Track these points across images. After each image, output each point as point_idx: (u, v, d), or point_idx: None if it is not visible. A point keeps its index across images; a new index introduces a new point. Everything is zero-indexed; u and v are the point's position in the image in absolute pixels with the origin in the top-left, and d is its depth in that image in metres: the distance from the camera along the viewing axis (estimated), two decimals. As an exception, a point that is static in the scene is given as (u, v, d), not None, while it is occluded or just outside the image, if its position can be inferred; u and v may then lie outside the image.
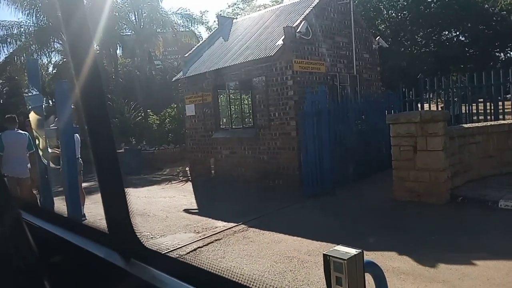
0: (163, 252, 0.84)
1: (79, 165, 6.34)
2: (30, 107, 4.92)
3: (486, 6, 20.08)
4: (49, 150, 5.59)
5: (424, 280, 3.91)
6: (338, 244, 2.30)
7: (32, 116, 4.74)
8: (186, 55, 12.67)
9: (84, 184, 7.19)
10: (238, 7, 34.46)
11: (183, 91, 12.89)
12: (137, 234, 0.81)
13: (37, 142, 4.84)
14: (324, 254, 2.21)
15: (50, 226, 0.99)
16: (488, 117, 10.04)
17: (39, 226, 0.97)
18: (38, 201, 5.80)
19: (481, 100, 10.57)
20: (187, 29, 23.07)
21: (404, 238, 5.18)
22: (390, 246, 4.80)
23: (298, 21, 9.41)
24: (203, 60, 11.91)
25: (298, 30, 9.15)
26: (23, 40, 19.69)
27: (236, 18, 15.77)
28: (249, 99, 11.10)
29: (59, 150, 5.97)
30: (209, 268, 0.70)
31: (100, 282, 0.82)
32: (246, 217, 6.63)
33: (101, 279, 0.82)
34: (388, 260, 4.38)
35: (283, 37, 9.13)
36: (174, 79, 13.47)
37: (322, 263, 2.20)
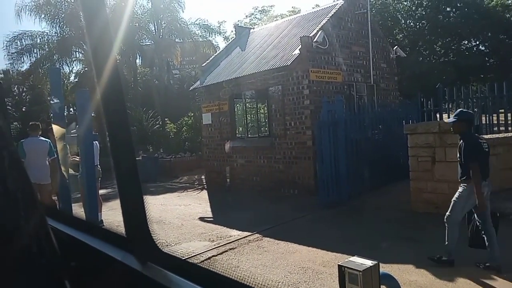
0: (179, 256, 0.86)
1: (97, 172, 6.45)
2: (52, 114, 5.06)
3: (508, 15, 19.74)
4: (69, 157, 5.72)
5: (443, 294, 3.81)
6: (353, 255, 2.28)
7: (56, 125, 4.87)
8: (204, 64, 12.85)
9: (101, 191, 7.31)
10: (256, 17, 34.83)
11: (200, 100, 13.04)
12: (154, 238, 0.82)
13: (60, 148, 4.95)
14: (339, 265, 2.19)
15: (69, 230, 1.02)
16: (509, 128, 9.80)
17: (58, 229, 1.00)
18: (58, 207, 5.91)
19: (502, 110, 10.34)
20: (205, 39, 23.42)
21: (421, 250, 5.07)
22: (407, 259, 4.70)
23: (315, 31, 9.45)
24: (220, 69, 12.04)
25: (315, 40, 9.18)
26: (46, 49, 20.30)
27: (253, 28, 15.93)
28: (265, 108, 11.14)
29: (79, 157, 6.11)
30: (225, 273, 0.71)
31: (117, 284, 0.84)
32: (261, 226, 6.62)
33: (118, 281, 0.84)
34: (405, 273, 4.29)
35: (300, 46, 9.17)
36: (191, 88, 13.65)
37: (337, 275, 2.17)
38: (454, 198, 4.60)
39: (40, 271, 0.55)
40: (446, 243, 4.52)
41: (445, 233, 4.52)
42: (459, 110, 5.13)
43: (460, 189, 4.57)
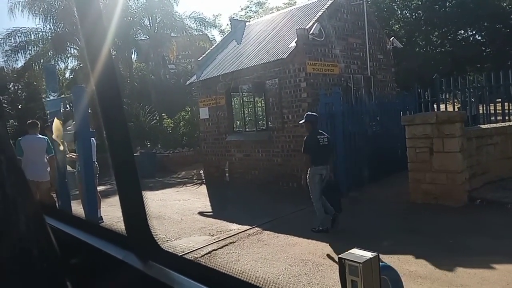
0: (179, 254, 0.85)
1: (95, 169, 6.43)
2: (48, 111, 5.03)
3: (504, 4, 19.68)
4: (67, 154, 5.70)
5: (442, 285, 3.84)
6: (353, 247, 2.28)
7: (55, 123, 4.84)
8: (200, 58, 12.77)
9: (100, 188, 7.30)
10: (251, 10, 34.59)
11: (197, 94, 12.99)
12: (154, 236, 0.82)
13: (61, 148, 4.93)
14: (339, 257, 2.19)
15: (68, 228, 1.01)
16: (507, 118, 9.82)
17: (58, 228, 0.99)
18: (56, 204, 5.90)
19: (499, 100, 10.36)
20: (201, 33, 23.25)
21: (420, 241, 5.10)
22: (406, 249, 4.73)
23: (311, 23, 9.39)
24: (216, 63, 11.98)
25: (311, 32, 9.13)
26: (40, 46, 20.14)
27: (249, 21, 15.83)
28: (263, 102, 11.11)
29: (76, 154, 6.09)
30: (225, 270, 0.70)
31: (118, 283, 0.83)
32: (261, 219, 6.63)
33: (118, 280, 0.83)
34: (404, 264, 4.32)
35: (296, 39, 9.12)
36: (188, 82, 13.59)
37: (337, 267, 2.18)
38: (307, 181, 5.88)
39: (42, 275, 0.54)
40: (317, 215, 5.85)
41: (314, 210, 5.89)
42: (306, 113, 6.43)
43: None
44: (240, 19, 21.21)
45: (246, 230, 6.19)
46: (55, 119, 4.65)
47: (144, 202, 0.79)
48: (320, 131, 6.17)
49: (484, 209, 6.29)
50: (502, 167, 7.54)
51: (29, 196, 0.59)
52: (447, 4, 20.17)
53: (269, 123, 10.28)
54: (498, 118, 10.01)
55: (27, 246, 0.54)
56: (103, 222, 6.54)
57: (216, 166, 11.61)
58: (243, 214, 7.10)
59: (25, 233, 0.54)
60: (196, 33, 22.87)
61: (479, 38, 21.50)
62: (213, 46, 14.47)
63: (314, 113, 6.55)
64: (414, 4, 20.71)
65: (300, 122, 6.36)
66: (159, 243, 0.84)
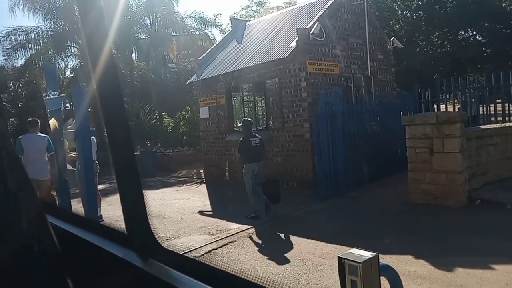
0: (180, 253, 0.85)
1: (95, 167, 6.44)
2: (49, 110, 5.03)
3: (504, 4, 19.67)
4: (67, 153, 5.71)
5: (441, 285, 3.84)
6: (353, 247, 2.28)
7: (52, 122, 4.85)
8: (200, 58, 12.76)
9: (100, 186, 7.31)
10: (252, 10, 34.61)
11: (197, 93, 13.00)
12: (154, 234, 0.82)
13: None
14: (338, 257, 2.20)
15: (69, 227, 1.01)
16: (507, 118, 9.82)
17: (59, 226, 1.00)
18: (57, 202, 5.91)
19: (499, 100, 10.35)
20: (201, 32, 23.24)
21: (420, 241, 5.11)
22: (406, 250, 4.73)
23: (312, 23, 9.39)
24: (217, 62, 11.98)
25: (311, 32, 9.13)
26: (41, 44, 20.13)
27: (250, 20, 15.83)
28: (263, 101, 11.11)
29: (76, 153, 6.10)
30: (225, 268, 0.71)
31: (119, 281, 0.84)
32: (260, 219, 6.63)
33: (119, 278, 0.83)
34: (404, 264, 4.32)
35: (297, 39, 9.12)
36: (188, 82, 13.59)
37: (337, 266, 2.18)
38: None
39: (42, 270, 0.55)
40: (255, 204, 6.78)
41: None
42: (243, 118, 7.57)
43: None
44: (241, 18, 21.18)
45: (246, 229, 6.20)
46: (52, 119, 4.66)
47: (145, 200, 0.80)
48: (254, 134, 7.16)
49: (483, 210, 6.29)
50: (502, 167, 7.54)
51: (31, 192, 0.59)
52: (448, 4, 20.16)
53: (270, 122, 10.28)
54: (498, 118, 10.00)
55: (28, 242, 0.54)
56: (103, 221, 6.55)
57: (216, 165, 11.62)
58: (243, 214, 7.11)
59: (26, 229, 0.54)
60: (196, 33, 22.87)
61: (480, 38, 21.49)
62: (213, 46, 14.47)
63: (249, 119, 7.65)
64: (415, 4, 20.70)
65: (239, 124, 7.34)
66: (160, 241, 0.85)
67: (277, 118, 9.82)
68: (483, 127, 8.19)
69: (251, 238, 5.82)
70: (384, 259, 3.58)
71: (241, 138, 7.08)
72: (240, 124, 7.36)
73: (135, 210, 0.80)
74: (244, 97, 11.84)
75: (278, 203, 6.74)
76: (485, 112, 10.41)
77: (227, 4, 67.56)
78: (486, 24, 19.88)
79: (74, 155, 6.36)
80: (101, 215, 6.57)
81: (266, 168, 7.28)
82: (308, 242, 5.37)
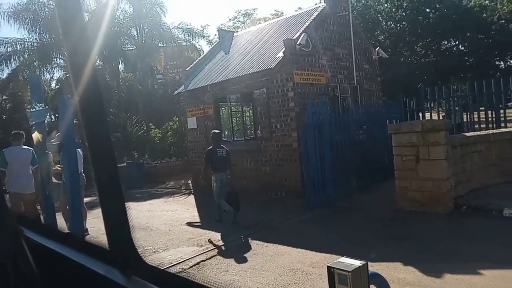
0: (165, 267, 0.83)
1: (81, 180, 6.34)
2: (33, 122, 4.95)
3: (484, 15, 20.22)
4: (52, 165, 5.61)
5: (430, 292, 3.85)
6: (342, 256, 2.28)
7: (35, 134, 4.77)
8: (188, 68, 12.76)
9: (86, 199, 7.18)
10: (239, 21, 34.84)
11: (184, 104, 12.96)
12: (138, 250, 0.80)
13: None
14: (328, 266, 2.19)
15: (50, 243, 0.98)
16: (490, 126, 10.03)
17: (40, 243, 0.97)
18: (41, 216, 5.79)
19: (482, 108, 10.57)
20: (189, 43, 23.28)
21: (408, 248, 5.14)
22: (394, 257, 4.75)
23: (298, 34, 9.50)
24: (204, 73, 11.99)
25: (298, 42, 9.23)
26: (26, 56, 19.91)
27: (237, 31, 15.93)
28: (251, 111, 11.13)
29: (61, 166, 6.00)
30: (210, 284, 0.70)
31: (101, 299, 0.81)
32: (249, 229, 6.60)
33: (101, 296, 0.81)
34: (393, 271, 4.33)
35: (283, 49, 9.20)
36: (175, 92, 13.55)
37: (327, 275, 2.18)
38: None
39: None
40: (221, 210, 7.33)
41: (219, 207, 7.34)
42: (212, 131, 8.03)
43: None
44: (228, 29, 21.32)
45: (235, 240, 6.15)
46: (36, 132, 4.59)
47: (128, 215, 0.78)
48: (221, 145, 7.59)
49: (469, 216, 6.37)
50: (487, 174, 7.67)
51: (5, 210, 0.57)
52: (431, 15, 20.65)
53: (257, 132, 10.29)
54: (482, 126, 10.20)
55: (2, 262, 0.52)
56: (88, 234, 6.43)
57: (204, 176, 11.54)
58: (231, 224, 7.06)
59: None
60: (184, 44, 22.89)
61: (462, 48, 22.03)
62: (201, 56, 14.48)
63: (218, 131, 8.05)
64: (399, 16, 21.15)
65: (211, 136, 7.93)
66: (144, 256, 0.83)
67: (265, 128, 9.84)
68: (467, 134, 8.34)
69: (240, 248, 5.78)
70: (373, 267, 3.58)
71: (209, 148, 7.60)
72: (211, 136, 7.88)
73: (118, 225, 0.78)
74: (232, 107, 11.84)
75: (238, 212, 7.32)
76: (469, 120, 10.61)
77: (215, 15, 67.99)
78: (468, 34, 20.41)
79: (59, 168, 6.26)
80: (87, 228, 6.45)
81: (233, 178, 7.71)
82: (297, 252, 5.35)
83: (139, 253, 0.80)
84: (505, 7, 20.12)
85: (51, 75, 22.69)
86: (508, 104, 11.50)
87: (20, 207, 5.98)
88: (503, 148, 7.95)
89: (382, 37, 21.62)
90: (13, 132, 6.66)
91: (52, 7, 17.83)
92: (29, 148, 6.30)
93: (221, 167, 7.30)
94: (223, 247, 5.93)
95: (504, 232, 5.42)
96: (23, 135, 6.51)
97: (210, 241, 6.22)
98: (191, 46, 23.26)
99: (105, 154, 0.78)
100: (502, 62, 22.74)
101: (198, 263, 5.29)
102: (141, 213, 8.89)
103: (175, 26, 22.89)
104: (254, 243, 5.95)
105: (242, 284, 4.42)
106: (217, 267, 5.10)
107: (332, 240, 5.79)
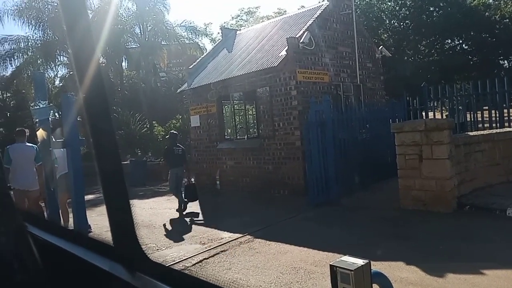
0: (168, 265, 0.84)
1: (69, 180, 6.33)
2: (37, 120, 4.97)
3: (487, 14, 20.11)
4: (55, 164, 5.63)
5: (433, 291, 3.85)
6: (345, 255, 2.28)
7: (40, 132, 4.79)
8: (191, 66, 12.78)
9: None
10: (242, 19, 34.82)
11: (188, 102, 12.97)
12: (142, 246, 0.80)
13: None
14: (331, 265, 2.19)
15: (55, 239, 0.99)
16: (494, 125, 9.98)
17: (44, 239, 0.98)
18: (45, 213, 5.81)
19: (486, 107, 10.52)
20: (192, 41, 23.29)
21: (411, 247, 5.12)
22: (397, 256, 4.74)
23: (301, 32, 9.48)
24: (207, 71, 12.00)
25: (301, 41, 9.21)
26: (30, 54, 19.97)
27: (240, 29, 15.92)
28: (254, 110, 11.13)
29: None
30: (214, 281, 0.70)
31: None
32: (252, 227, 6.60)
33: (105, 292, 0.81)
34: (395, 270, 4.32)
35: (286, 47, 9.19)
36: (179, 90, 13.57)
37: (329, 274, 2.18)
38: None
39: (21, 287, 0.53)
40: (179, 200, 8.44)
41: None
42: (170, 131, 9.77)
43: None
44: (231, 27, 21.32)
45: (237, 238, 6.15)
46: (40, 129, 4.60)
47: (132, 212, 0.78)
48: (178, 144, 8.67)
49: (473, 215, 6.35)
50: (490, 173, 7.64)
51: (10, 206, 0.57)
52: (435, 14, 20.56)
53: (260, 130, 10.29)
54: (486, 125, 10.16)
55: (8, 258, 0.52)
56: (92, 231, 6.45)
57: (207, 174, 11.57)
58: (234, 222, 7.06)
59: (5, 245, 0.52)
60: (187, 42, 22.90)
61: (466, 47, 21.94)
62: (204, 55, 14.50)
63: (175, 132, 9.40)
64: (402, 14, 21.07)
65: (167, 137, 9.36)
66: (147, 253, 0.83)
67: (268, 126, 9.83)
68: (470, 133, 8.31)
69: (242, 247, 5.78)
70: (376, 266, 3.58)
71: (166, 147, 8.84)
72: (168, 136, 9.13)
73: (122, 222, 0.78)
74: (235, 106, 11.85)
75: (196, 201, 8.60)
76: (472, 119, 10.56)
77: (218, 13, 67.96)
78: (472, 33, 20.31)
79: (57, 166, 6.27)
80: (90, 225, 6.47)
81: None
82: (300, 250, 5.35)
83: (143, 249, 0.80)
84: (509, 6, 20.00)
85: (55, 73, 22.82)
86: (512, 103, 11.44)
87: (24, 204, 6.02)
88: (507, 147, 7.91)
89: (385, 35, 21.55)
90: (16, 129, 6.69)
91: (56, 4, 17.90)
92: (33, 145, 6.33)
93: (177, 163, 8.35)
94: (225, 245, 5.93)
95: (508, 232, 5.40)
96: (26, 132, 6.54)
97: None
98: (194, 44, 23.27)
99: (109, 151, 0.78)
100: (506, 61, 22.65)
101: (200, 261, 5.30)
102: (144, 211, 8.91)
103: (178, 24, 22.92)
104: (256, 241, 5.95)
105: (244, 282, 4.42)
106: (220, 265, 5.11)
107: (334, 238, 5.78)
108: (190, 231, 6.97)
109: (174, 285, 0.71)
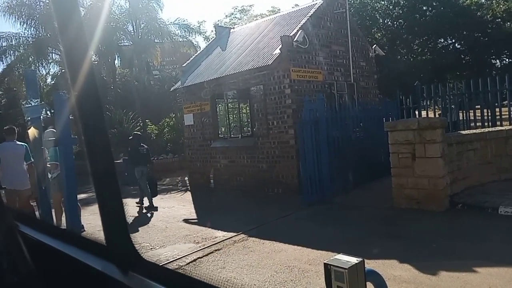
0: (162, 264, 0.83)
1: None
2: (28, 118, 4.92)
3: (478, 13, 20.28)
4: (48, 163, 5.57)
5: (426, 288, 3.87)
6: (338, 253, 2.29)
7: (31, 130, 4.73)
8: (184, 65, 12.73)
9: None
10: (235, 17, 34.76)
11: (181, 100, 12.93)
12: (135, 246, 0.79)
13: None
14: (325, 263, 2.20)
15: (47, 239, 0.98)
16: (486, 124, 10.07)
17: (37, 239, 0.96)
18: (37, 212, 5.75)
19: (478, 106, 10.61)
20: (185, 39, 23.17)
21: (404, 245, 5.16)
22: (390, 254, 4.77)
23: (295, 30, 9.48)
24: (201, 69, 11.96)
25: (295, 39, 9.21)
26: (21, 51, 19.75)
27: (234, 27, 15.89)
28: (248, 108, 11.13)
29: (51, 162, 5.96)
30: (208, 280, 0.69)
31: (97, 296, 0.81)
32: (246, 226, 6.60)
33: (98, 292, 0.80)
34: (389, 269, 4.35)
35: (280, 46, 9.18)
36: (172, 89, 13.51)
37: (323, 273, 2.18)
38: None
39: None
40: (141, 195, 9.26)
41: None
42: (133, 132, 10.83)
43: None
44: (225, 26, 21.24)
45: (231, 237, 6.15)
46: (32, 127, 4.55)
47: (125, 211, 0.77)
48: (142, 144, 9.41)
49: (465, 214, 6.40)
50: (482, 172, 7.70)
51: (0, 206, 0.56)
52: (428, 13, 20.69)
53: (254, 129, 10.29)
54: (478, 124, 10.25)
55: None
56: (84, 230, 6.40)
57: (201, 173, 11.54)
58: (228, 221, 7.06)
59: None
60: (180, 40, 22.78)
61: (459, 46, 22.10)
62: (197, 53, 14.44)
63: (139, 133, 10.63)
64: (396, 13, 21.17)
65: (130, 138, 10.17)
66: (141, 252, 0.82)
67: (262, 125, 9.83)
68: (463, 132, 8.37)
69: (237, 245, 5.78)
70: (370, 264, 3.59)
71: (130, 147, 9.57)
72: (131, 137, 9.95)
73: (115, 221, 0.77)
74: (229, 104, 11.83)
75: (156, 196, 9.18)
76: (465, 118, 10.65)
77: (211, 11, 67.72)
78: (465, 33, 20.46)
79: (48, 165, 6.21)
80: (83, 225, 6.43)
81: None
82: (294, 249, 5.36)
83: (136, 249, 0.79)
84: (501, 6, 20.18)
85: (47, 70, 22.61)
86: (504, 102, 11.55)
87: (15, 203, 5.95)
88: (499, 146, 7.99)
89: (379, 34, 21.63)
90: (5, 127, 6.59)
91: (48, 1, 17.71)
92: (23, 144, 6.26)
93: (141, 161, 8.99)
94: (219, 244, 5.93)
95: (500, 230, 5.45)
96: (16, 130, 6.45)
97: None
98: (187, 42, 23.15)
99: (102, 150, 0.77)
100: (498, 60, 22.87)
101: (194, 260, 5.29)
102: (137, 210, 8.88)
103: (171, 22, 22.76)
104: (251, 240, 5.95)
105: (238, 281, 4.42)
106: (214, 264, 5.10)
107: (328, 237, 5.80)
108: (184, 230, 6.95)
109: (168, 285, 0.70)
